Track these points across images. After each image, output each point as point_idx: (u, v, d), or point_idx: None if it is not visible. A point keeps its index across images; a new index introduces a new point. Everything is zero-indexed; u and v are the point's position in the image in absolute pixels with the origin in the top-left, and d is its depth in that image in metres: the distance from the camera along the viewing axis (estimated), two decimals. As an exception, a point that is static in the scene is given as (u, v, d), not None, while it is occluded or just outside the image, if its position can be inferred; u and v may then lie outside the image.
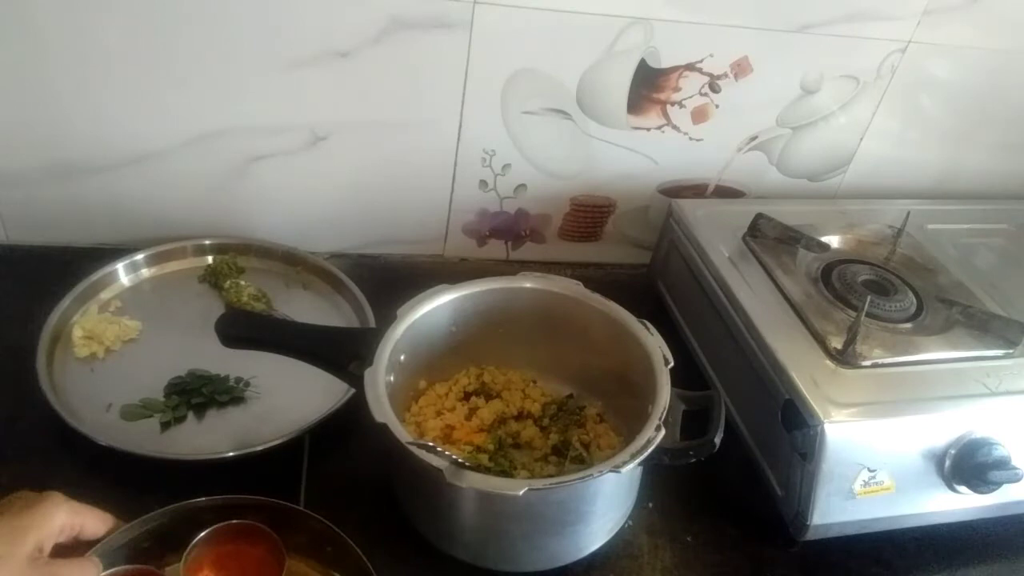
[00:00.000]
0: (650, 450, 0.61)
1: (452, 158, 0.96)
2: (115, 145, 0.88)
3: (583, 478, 0.60)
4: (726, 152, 1.02)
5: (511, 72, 0.90)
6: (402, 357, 0.71)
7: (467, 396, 0.79)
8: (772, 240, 0.91)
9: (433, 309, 0.74)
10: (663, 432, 0.63)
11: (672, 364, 0.70)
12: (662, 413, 0.64)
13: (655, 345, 0.71)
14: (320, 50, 0.84)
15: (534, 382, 0.81)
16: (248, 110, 0.88)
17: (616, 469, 0.60)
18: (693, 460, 0.64)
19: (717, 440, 0.64)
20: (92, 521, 0.57)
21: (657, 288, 1.01)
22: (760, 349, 0.77)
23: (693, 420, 0.68)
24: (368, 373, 0.65)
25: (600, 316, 0.75)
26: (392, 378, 0.69)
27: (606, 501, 0.68)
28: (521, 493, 0.58)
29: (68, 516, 0.55)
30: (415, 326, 0.72)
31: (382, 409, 0.62)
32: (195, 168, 0.91)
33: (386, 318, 0.72)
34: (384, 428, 0.61)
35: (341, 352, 0.69)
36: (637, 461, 0.61)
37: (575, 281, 0.78)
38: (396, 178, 0.96)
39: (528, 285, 0.77)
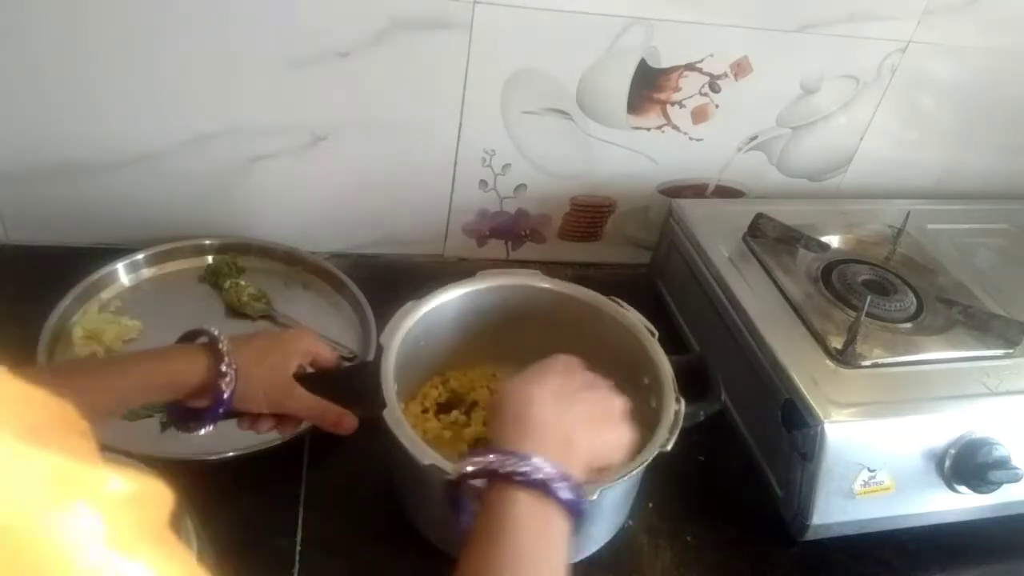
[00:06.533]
0: (681, 422, 0.64)
1: (452, 158, 0.96)
2: (115, 145, 0.88)
3: (641, 463, 0.61)
4: (726, 152, 1.02)
5: (511, 72, 0.90)
6: (395, 386, 0.67)
7: (442, 410, 0.77)
8: (772, 240, 0.91)
9: (410, 328, 0.71)
10: (683, 403, 0.65)
11: (657, 335, 0.72)
12: (675, 384, 0.66)
13: (635, 320, 0.72)
14: (320, 50, 0.84)
15: (493, 375, 0.81)
16: (248, 110, 0.88)
17: (664, 448, 0.62)
18: (702, 419, 0.67)
19: (723, 397, 0.68)
20: (325, 351, 0.68)
21: (657, 288, 1.01)
22: (760, 349, 0.77)
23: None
24: (388, 415, 0.62)
25: (564, 299, 0.76)
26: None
27: (607, 502, 0.68)
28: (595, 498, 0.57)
29: (311, 343, 0.67)
30: (400, 350, 0.69)
31: (422, 449, 0.60)
32: (195, 168, 0.91)
33: (386, 319, 0.71)
34: (433, 468, 0.59)
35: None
36: (675, 435, 0.63)
37: (534, 271, 0.78)
38: (396, 178, 0.96)
39: (485, 285, 0.76)
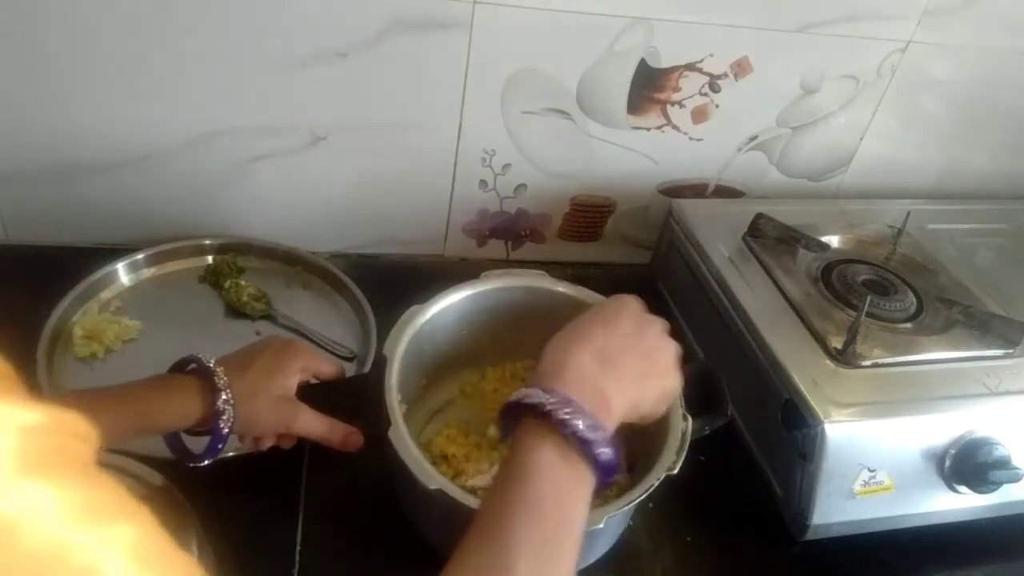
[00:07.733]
0: (688, 441, 0.63)
1: (452, 158, 0.96)
2: (115, 145, 0.88)
3: (647, 490, 0.59)
4: (726, 152, 1.02)
5: (511, 72, 0.90)
6: (399, 397, 0.65)
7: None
8: (772, 240, 0.91)
9: (414, 335, 0.70)
10: (690, 420, 0.64)
11: None
12: (681, 400, 0.65)
13: None
14: (320, 50, 0.84)
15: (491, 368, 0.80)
16: (248, 110, 0.88)
17: (671, 471, 0.61)
18: (707, 433, 0.66)
19: (730, 411, 0.66)
20: (325, 365, 0.68)
21: (657, 288, 1.01)
22: (760, 349, 0.77)
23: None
24: (393, 435, 0.60)
25: (570, 301, 0.75)
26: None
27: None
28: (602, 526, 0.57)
29: (310, 358, 0.66)
30: (403, 359, 0.68)
31: (429, 474, 0.58)
32: (195, 168, 0.91)
33: (386, 319, 0.71)
34: (440, 494, 0.57)
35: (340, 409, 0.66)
36: (683, 457, 0.62)
37: (539, 272, 0.77)
38: (396, 178, 0.96)
39: (489, 287, 0.75)
